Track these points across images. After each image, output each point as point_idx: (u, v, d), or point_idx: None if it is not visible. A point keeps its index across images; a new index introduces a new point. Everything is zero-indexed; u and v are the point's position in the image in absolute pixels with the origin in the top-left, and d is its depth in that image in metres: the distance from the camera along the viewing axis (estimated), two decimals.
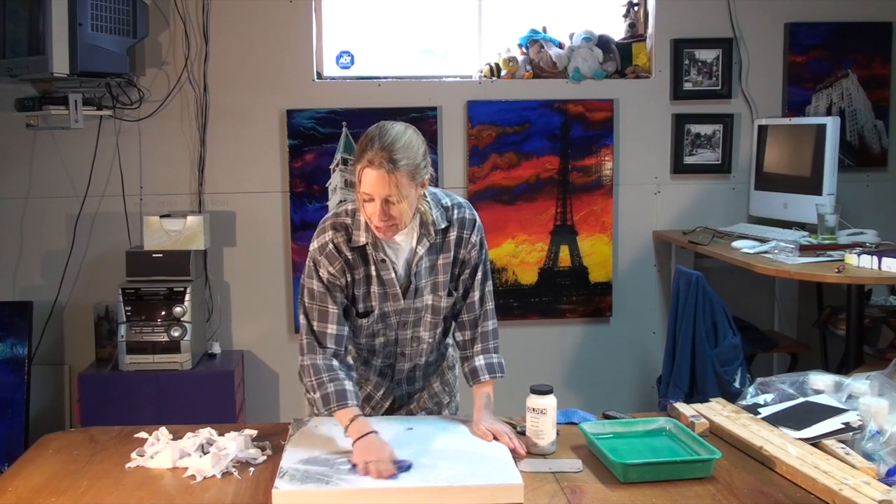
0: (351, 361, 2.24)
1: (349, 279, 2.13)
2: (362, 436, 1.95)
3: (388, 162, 1.95)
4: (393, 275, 2.13)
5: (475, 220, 2.22)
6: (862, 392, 2.14)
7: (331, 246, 2.11)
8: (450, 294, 2.21)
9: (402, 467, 1.87)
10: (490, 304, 2.28)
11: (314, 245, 2.14)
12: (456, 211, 2.19)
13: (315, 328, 2.12)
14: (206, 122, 4.05)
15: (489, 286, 2.28)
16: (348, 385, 2.07)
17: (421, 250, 2.14)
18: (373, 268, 2.13)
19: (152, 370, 3.67)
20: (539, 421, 2.03)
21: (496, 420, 2.14)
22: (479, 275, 2.25)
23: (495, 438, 2.06)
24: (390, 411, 2.37)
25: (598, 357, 4.33)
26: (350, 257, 2.12)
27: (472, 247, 2.20)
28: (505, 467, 1.89)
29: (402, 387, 2.34)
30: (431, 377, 2.40)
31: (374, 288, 2.14)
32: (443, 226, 2.15)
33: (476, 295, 2.25)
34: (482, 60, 4.27)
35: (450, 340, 2.41)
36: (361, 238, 2.11)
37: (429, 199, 2.15)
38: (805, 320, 4.33)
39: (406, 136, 2.02)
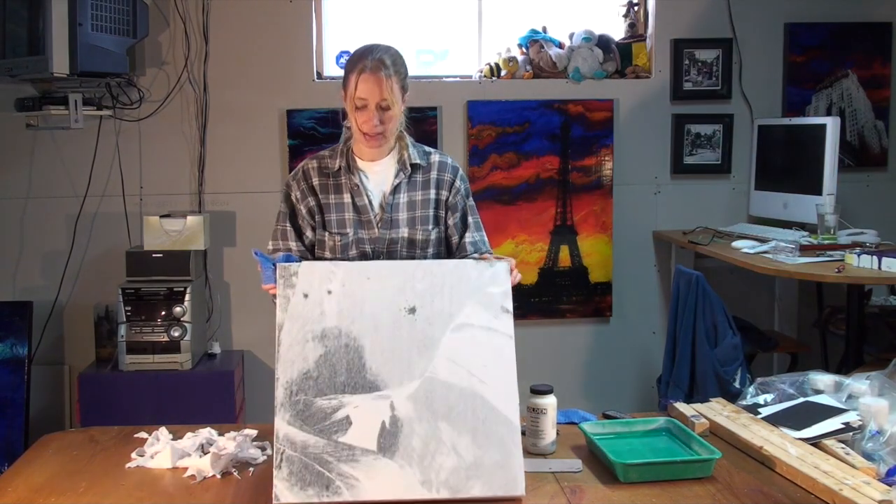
0: None
1: (319, 202, 2.29)
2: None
3: (384, 67, 2.16)
4: (367, 201, 2.27)
5: (458, 168, 2.38)
6: (862, 392, 2.14)
7: (301, 171, 2.33)
8: (428, 231, 2.29)
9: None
10: (489, 250, 2.36)
11: (290, 174, 2.37)
12: (438, 156, 2.37)
13: (280, 249, 2.30)
14: (206, 122, 4.05)
15: (483, 235, 2.38)
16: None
17: (396, 181, 2.28)
18: (347, 195, 2.28)
19: (152, 370, 3.67)
20: (539, 421, 2.03)
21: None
22: (472, 221, 2.36)
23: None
24: None
25: (598, 357, 4.33)
26: (319, 182, 2.30)
27: (458, 192, 2.35)
28: (510, 448, 1.79)
29: None
30: None
31: (349, 214, 2.28)
32: (419, 161, 2.30)
33: (471, 237, 2.34)
34: (482, 60, 4.27)
35: None
36: (336, 163, 2.29)
37: (409, 140, 2.32)
38: (805, 320, 4.33)
39: (392, 50, 2.24)
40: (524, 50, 4.26)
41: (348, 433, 1.78)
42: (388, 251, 2.30)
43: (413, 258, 2.28)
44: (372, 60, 2.16)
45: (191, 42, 4.01)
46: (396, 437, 1.79)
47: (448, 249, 2.37)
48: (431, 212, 2.32)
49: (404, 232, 2.29)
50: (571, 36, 4.29)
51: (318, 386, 1.81)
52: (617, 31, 4.37)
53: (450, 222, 2.35)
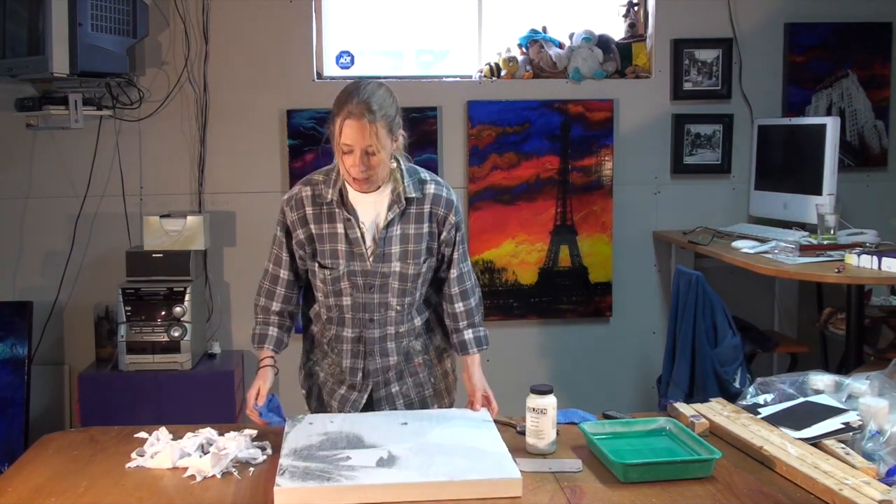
0: (293, 309, 2.40)
1: (312, 232, 2.27)
2: (259, 369, 2.33)
3: (369, 112, 2.09)
4: (359, 234, 2.24)
5: (454, 201, 2.34)
6: (862, 392, 2.14)
7: (294, 200, 2.28)
8: (419, 264, 2.29)
9: (271, 403, 2.21)
10: (472, 280, 2.42)
11: (284, 196, 2.33)
12: (433, 186, 2.31)
13: (270, 271, 2.36)
14: (206, 122, 4.05)
15: (469, 264, 2.42)
16: (271, 331, 2.36)
17: (391, 216, 2.24)
18: (340, 226, 2.26)
19: (152, 370, 3.67)
20: (539, 421, 2.03)
21: (485, 383, 2.34)
22: (459, 253, 2.37)
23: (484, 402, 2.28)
24: (370, 400, 2.38)
25: (598, 357, 4.33)
26: (313, 212, 2.26)
27: (452, 227, 2.32)
28: (503, 461, 1.90)
29: (376, 360, 2.35)
30: (411, 361, 2.40)
31: (341, 246, 2.26)
32: (413, 195, 2.26)
33: (457, 272, 2.38)
34: (482, 60, 4.27)
35: (418, 318, 2.40)
36: (329, 194, 2.24)
37: (404, 169, 2.28)
38: (805, 320, 4.33)
39: (380, 91, 2.17)
40: (524, 50, 4.26)
41: (348, 462, 1.91)
42: (380, 284, 2.27)
43: (405, 291, 2.30)
44: (357, 105, 2.09)
45: (191, 42, 4.01)
46: (394, 461, 1.91)
47: (435, 275, 2.39)
48: (424, 245, 2.29)
49: (396, 266, 2.27)
50: (571, 36, 4.29)
51: (320, 448, 1.99)
52: (617, 31, 4.37)
53: (443, 253, 2.36)
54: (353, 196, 2.24)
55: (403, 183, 2.25)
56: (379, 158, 2.13)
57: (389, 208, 2.25)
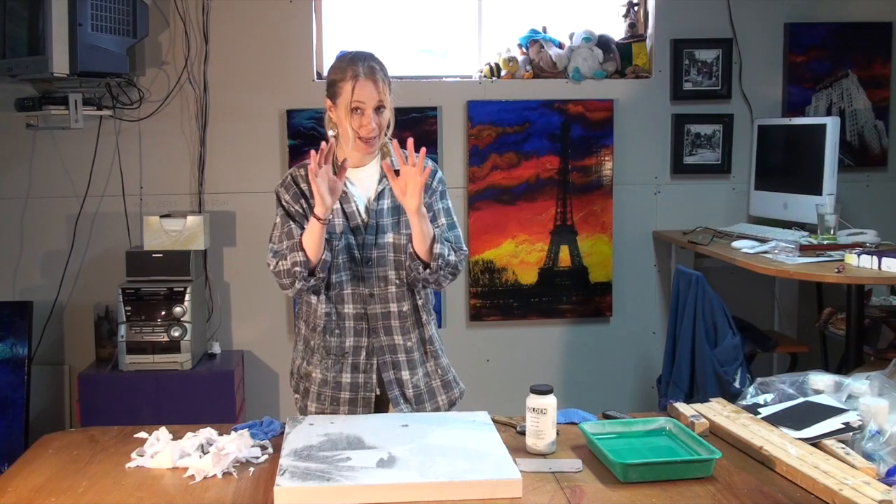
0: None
1: (307, 206, 2.31)
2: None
3: (377, 71, 2.26)
4: (354, 208, 2.32)
5: (437, 171, 2.42)
6: (862, 392, 2.13)
7: (289, 178, 2.37)
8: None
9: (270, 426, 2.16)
10: (462, 249, 2.38)
11: (278, 184, 2.39)
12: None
13: (282, 250, 2.30)
14: (206, 122, 4.05)
15: (458, 231, 2.41)
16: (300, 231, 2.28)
17: (380, 188, 2.33)
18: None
19: (152, 370, 3.67)
20: (539, 421, 2.03)
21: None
22: (444, 221, 2.39)
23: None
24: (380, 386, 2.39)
25: (598, 357, 4.33)
26: (308, 189, 2.31)
27: (433, 193, 2.38)
28: (503, 462, 1.90)
29: (381, 337, 2.36)
30: (423, 350, 2.41)
31: (338, 220, 2.32)
32: (399, 167, 2.31)
33: (444, 238, 2.36)
34: (482, 60, 4.27)
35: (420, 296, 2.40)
36: None
37: (390, 146, 2.34)
38: (805, 320, 4.33)
39: (376, 56, 2.31)
40: (524, 50, 4.26)
41: (349, 462, 1.91)
42: (377, 256, 2.32)
43: (401, 263, 2.33)
44: (364, 66, 2.24)
45: (191, 42, 4.01)
46: (394, 462, 1.91)
47: None
48: None
49: (390, 237, 2.33)
50: (571, 36, 4.29)
51: (321, 449, 1.99)
52: (617, 31, 4.37)
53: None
54: (347, 172, 2.31)
55: (391, 156, 2.33)
56: (386, 115, 2.28)
57: (379, 181, 2.34)
